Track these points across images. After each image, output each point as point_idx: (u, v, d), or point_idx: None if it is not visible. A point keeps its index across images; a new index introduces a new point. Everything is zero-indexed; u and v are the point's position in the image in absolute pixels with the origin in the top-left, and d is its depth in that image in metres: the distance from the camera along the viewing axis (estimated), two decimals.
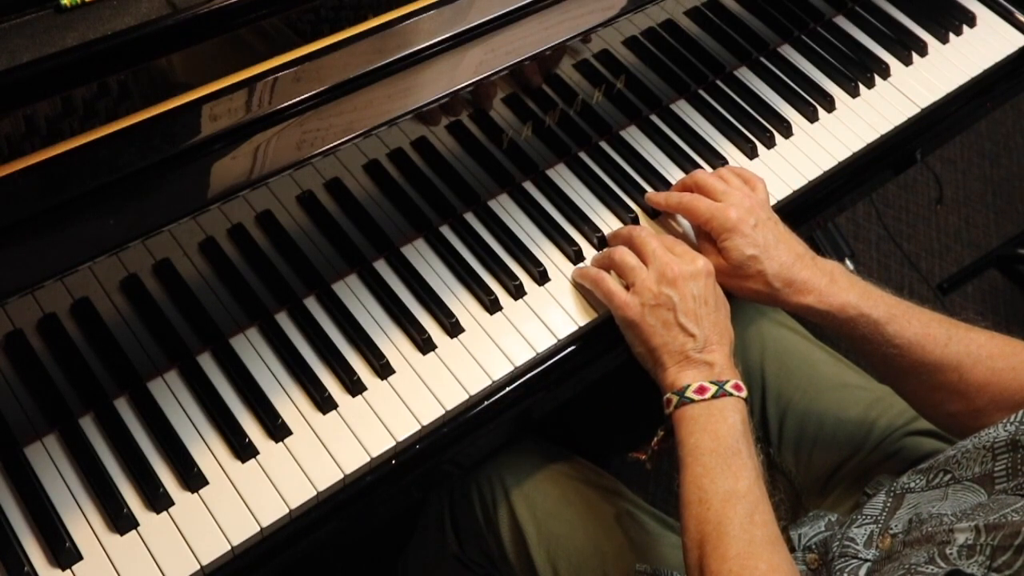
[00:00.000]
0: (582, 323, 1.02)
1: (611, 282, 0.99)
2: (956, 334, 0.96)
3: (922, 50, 1.35)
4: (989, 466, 0.83)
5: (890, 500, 0.91)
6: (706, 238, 1.04)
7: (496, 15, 0.94)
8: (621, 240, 1.04)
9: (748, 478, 0.86)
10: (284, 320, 0.98)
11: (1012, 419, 0.85)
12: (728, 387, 0.91)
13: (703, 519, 0.84)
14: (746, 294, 1.01)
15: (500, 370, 0.98)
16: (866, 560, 0.86)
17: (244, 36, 0.84)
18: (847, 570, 0.86)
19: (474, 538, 1.17)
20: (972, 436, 0.88)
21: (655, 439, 0.98)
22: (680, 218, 1.11)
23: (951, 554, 0.74)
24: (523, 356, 0.99)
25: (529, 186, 1.12)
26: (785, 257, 0.99)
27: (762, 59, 1.30)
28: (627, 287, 0.98)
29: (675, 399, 0.92)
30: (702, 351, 0.93)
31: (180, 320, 0.93)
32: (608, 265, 1.02)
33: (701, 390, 0.91)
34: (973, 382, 0.94)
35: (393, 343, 0.98)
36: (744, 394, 0.92)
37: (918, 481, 0.91)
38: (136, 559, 0.83)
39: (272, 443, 0.91)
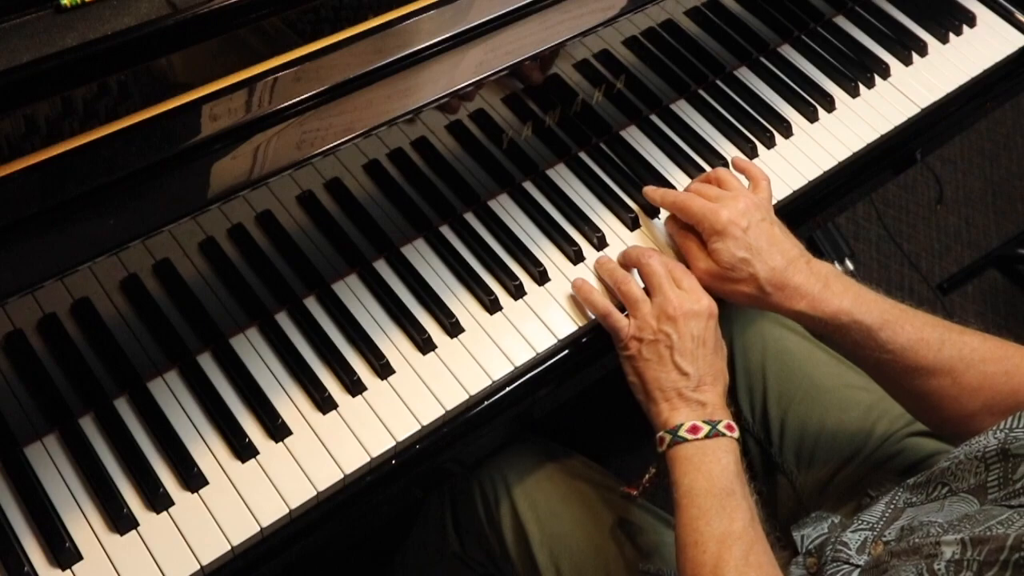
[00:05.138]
0: (582, 323, 1.02)
1: (619, 318, 0.98)
2: (949, 338, 0.95)
3: (922, 50, 1.35)
4: (983, 477, 0.83)
5: (889, 511, 0.91)
6: (698, 239, 1.03)
7: (496, 15, 0.94)
8: (631, 261, 1.03)
9: (743, 519, 0.86)
10: (284, 320, 0.98)
11: (1002, 426, 0.84)
12: (721, 427, 0.91)
13: (699, 562, 0.84)
14: (737, 298, 1.00)
15: (500, 370, 0.98)
16: (857, 566, 0.86)
17: (244, 36, 0.84)
18: (838, 575, 0.86)
19: (476, 536, 1.17)
20: (964, 445, 0.87)
21: (647, 476, 0.98)
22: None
23: (939, 569, 0.74)
24: (523, 356, 0.99)
25: (529, 186, 1.12)
26: (777, 261, 0.98)
27: (762, 59, 1.30)
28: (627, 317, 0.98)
29: (668, 438, 0.91)
30: (695, 390, 0.93)
31: (180, 320, 0.93)
32: (612, 286, 1.02)
33: (694, 429, 0.91)
34: (966, 386, 0.94)
35: (393, 343, 0.98)
36: (736, 434, 0.92)
37: (919, 495, 0.90)
38: (136, 559, 0.83)
39: (272, 443, 0.91)
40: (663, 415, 0.93)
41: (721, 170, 1.10)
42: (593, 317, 1.03)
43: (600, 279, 1.05)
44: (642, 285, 1.01)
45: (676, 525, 0.88)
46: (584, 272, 1.06)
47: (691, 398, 0.93)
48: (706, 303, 0.97)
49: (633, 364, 0.96)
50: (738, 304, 1.02)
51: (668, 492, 0.92)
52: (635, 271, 1.03)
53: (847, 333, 0.97)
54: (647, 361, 0.95)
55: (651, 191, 1.10)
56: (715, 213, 1.00)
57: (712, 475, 0.88)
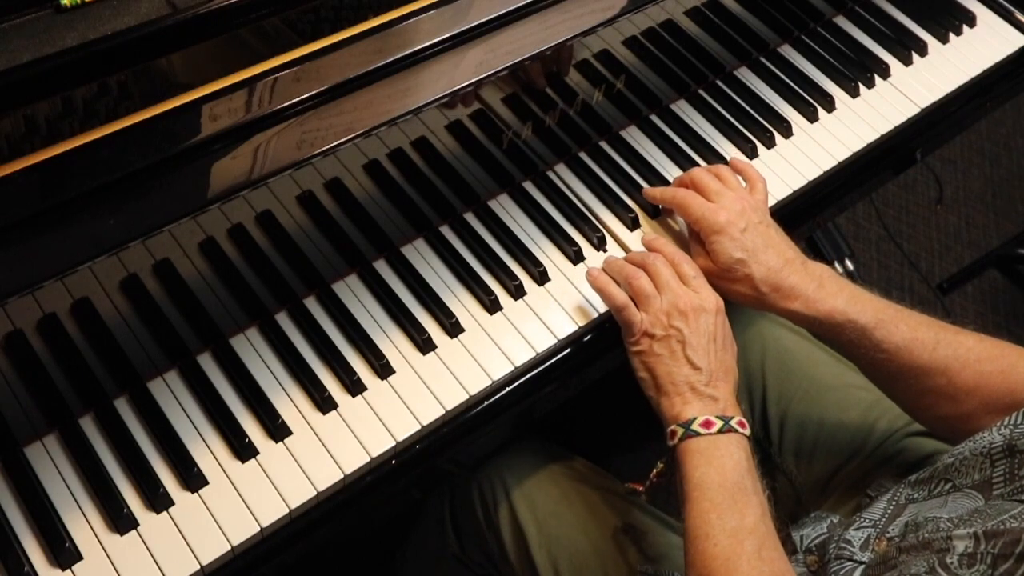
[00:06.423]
0: (582, 323, 1.02)
1: (635, 312, 0.97)
2: (944, 338, 0.95)
3: (922, 50, 1.35)
4: (988, 473, 0.83)
5: (891, 508, 0.91)
6: (696, 237, 1.04)
7: (496, 15, 0.94)
8: (636, 263, 1.03)
9: (755, 514, 0.86)
10: (284, 320, 0.98)
11: (1007, 422, 0.85)
12: (733, 423, 0.91)
13: (710, 555, 0.84)
14: (734, 297, 1.01)
15: (500, 370, 0.98)
16: (860, 563, 0.86)
17: (244, 36, 0.84)
18: (842, 572, 0.86)
19: (475, 538, 1.17)
20: (968, 441, 0.87)
21: (654, 471, 0.98)
22: (680, 219, 1.11)
23: (951, 563, 0.74)
24: (523, 356, 0.99)
25: (529, 186, 1.12)
26: (774, 262, 0.99)
27: (762, 59, 1.30)
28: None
29: (680, 431, 0.91)
30: (707, 384, 0.93)
31: (180, 320, 0.93)
32: (622, 281, 1.02)
33: (707, 424, 0.90)
34: (962, 385, 0.94)
35: (393, 343, 0.98)
36: (748, 432, 0.91)
37: (921, 491, 0.91)
38: (136, 559, 0.83)
39: (272, 443, 0.91)
40: (675, 409, 0.93)
41: (721, 167, 1.10)
42: (593, 317, 1.03)
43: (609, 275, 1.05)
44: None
45: (686, 518, 0.88)
46: (583, 273, 1.06)
47: (704, 392, 0.93)
48: (713, 299, 0.98)
49: (644, 359, 0.96)
50: (735, 303, 1.02)
51: (670, 491, 0.92)
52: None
53: (842, 332, 0.97)
54: (659, 356, 0.95)
55: (650, 191, 1.11)
56: (714, 213, 1.01)
57: (724, 469, 0.88)
